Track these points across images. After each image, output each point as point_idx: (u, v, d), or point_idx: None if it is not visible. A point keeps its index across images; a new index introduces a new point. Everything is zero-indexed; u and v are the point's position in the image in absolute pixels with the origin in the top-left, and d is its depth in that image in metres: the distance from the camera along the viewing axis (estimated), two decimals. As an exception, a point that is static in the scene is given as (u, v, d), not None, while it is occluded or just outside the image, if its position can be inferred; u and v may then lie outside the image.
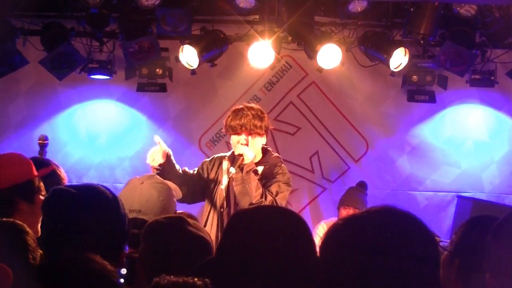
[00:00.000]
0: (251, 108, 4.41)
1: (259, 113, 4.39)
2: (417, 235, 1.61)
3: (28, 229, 2.16)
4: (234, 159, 4.43)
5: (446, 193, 6.37)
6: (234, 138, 4.38)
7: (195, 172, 4.56)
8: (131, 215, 2.90)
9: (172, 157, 4.35)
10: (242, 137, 4.33)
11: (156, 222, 2.58)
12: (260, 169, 4.38)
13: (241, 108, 4.41)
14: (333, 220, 5.52)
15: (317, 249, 1.88)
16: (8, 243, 1.97)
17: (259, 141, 4.41)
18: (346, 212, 5.32)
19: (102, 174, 6.29)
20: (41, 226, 2.25)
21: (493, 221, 2.20)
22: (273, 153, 4.56)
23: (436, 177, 6.38)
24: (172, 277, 1.52)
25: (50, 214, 2.26)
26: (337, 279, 1.57)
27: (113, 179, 6.25)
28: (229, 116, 4.41)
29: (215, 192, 4.47)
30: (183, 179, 4.35)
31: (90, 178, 6.10)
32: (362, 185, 5.64)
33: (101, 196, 2.24)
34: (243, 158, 4.29)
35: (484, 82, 6.09)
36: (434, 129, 6.42)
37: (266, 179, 4.37)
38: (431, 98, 6.13)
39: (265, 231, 1.83)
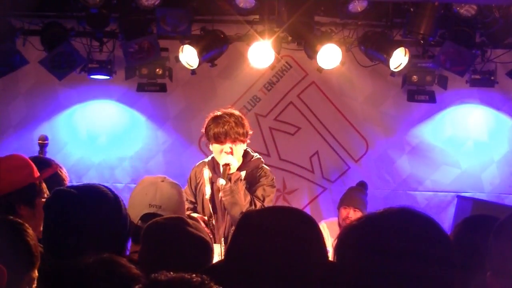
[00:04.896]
0: (231, 115, 4.25)
1: (240, 119, 4.24)
2: (433, 237, 1.59)
3: (27, 227, 2.15)
4: (215, 167, 4.36)
5: (446, 193, 6.37)
6: (216, 147, 4.23)
7: (193, 198, 4.50)
8: (150, 210, 2.95)
9: None
10: (227, 146, 4.18)
11: (155, 222, 2.58)
12: (242, 174, 4.26)
13: (221, 115, 4.24)
14: (333, 220, 5.51)
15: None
16: (8, 240, 1.97)
17: (242, 148, 4.27)
18: (346, 212, 5.31)
19: (102, 174, 6.29)
20: (42, 227, 2.25)
21: (486, 220, 2.21)
22: (252, 154, 4.40)
23: (436, 177, 6.38)
24: (170, 273, 1.52)
25: (52, 216, 2.25)
26: (352, 280, 1.57)
27: (113, 179, 6.25)
28: (209, 125, 4.24)
29: (202, 203, 4.41)
30: None
31: (90, 178, 6.09)
32: (362, 185, 5.64)
33: (102, 197, 2.24)
34: (230, 168, 4.16)
35: (484, 82, 6.09)
36: (434, 129, 6.42)
37: (249, 184, 4.27)
38: (431, 98, 6.13)
39: (275, 232, 1.82)
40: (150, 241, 2.47)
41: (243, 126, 4.23)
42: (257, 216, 1.92)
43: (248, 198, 4.16)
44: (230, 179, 4.14)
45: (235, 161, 4.22)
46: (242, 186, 4.17)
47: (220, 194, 4.16)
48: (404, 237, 1.56)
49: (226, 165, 4.16)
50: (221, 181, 4.12)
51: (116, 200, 2.27)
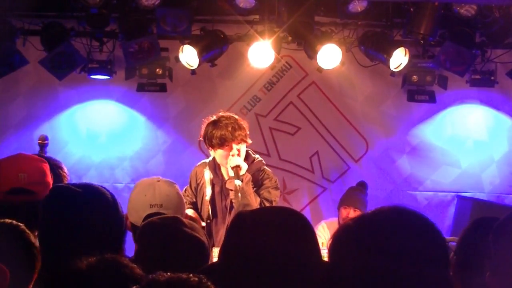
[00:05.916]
0: (230, 117, 4.25)
1: (238, 121, 4.24)
2: (427, 235, 1.60)
3: (25, 228, 2.15)
4: (216, 168, 4.35)
5: (446, 193, 6.37)
6: (221, 152, 4.19)
7: (193, 198, 4.47)
8: (152, 210, 2.94)
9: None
10: (234, 148, 4.16)
11: (151, 222, 2.57)
12: None
13: (219, 119, 4.23)
14: (333, 220, 5.51)
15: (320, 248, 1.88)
16: (11, 243, 1.96)
17: (244, 149, 4.25)
18: (346, 212, 5.31)
19: (102, 174, 6.29)
20: (39, 224, 2.24)
21: (493, 223, 2.21)
22: (253, 155, 4.38)
23: (436, 177, 6.38)
24: (167, 273, 1.52)
25: (50, 212, 2.24)
26: (347, 279, 1.57)
27: (113, 179, 6.25)
28: (210, 131, 4.21)
29: (201, 204, 4.39)
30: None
31: (90, 178, 6.09)
32: (362, 185, 5.64)
33: (102, 196, 2.23)
34: (240, 169, 4.12)
35: (484, 82, 6.09)
36: (434, 129, 6.42)
37: (254, 186, 4.25)
38: (431, 98, 6.13)
39: (268, 232, 1.82)
40: (146, 241, 2.47)
41: (244, 128, 4.23)
42: (250, 216, 1.92)
43: (258, 199, 4.17)
44: (242, 181, 4.10)
45: (244, 163, 4.19)
46: (251, 188, 4.16)
47: (238, 195, 4.09)
48: (397, 236, 1.57)
49: (237, 166, 4.12)
50: (238, 182, 4.06)
51: (113, 199, 2.26)
